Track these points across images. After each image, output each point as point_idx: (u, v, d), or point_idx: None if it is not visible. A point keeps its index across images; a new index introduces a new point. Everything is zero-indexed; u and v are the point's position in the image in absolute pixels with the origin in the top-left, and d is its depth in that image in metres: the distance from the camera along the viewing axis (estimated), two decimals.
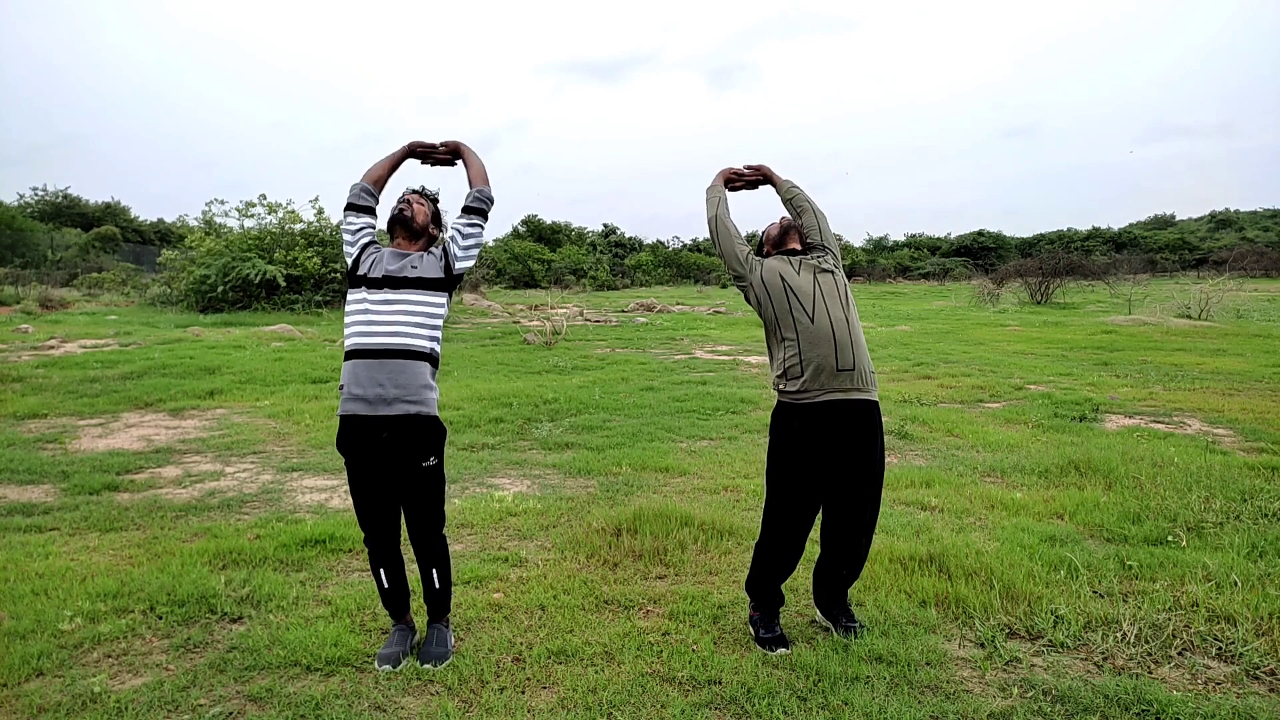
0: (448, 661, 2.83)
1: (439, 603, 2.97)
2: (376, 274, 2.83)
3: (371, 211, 3.04)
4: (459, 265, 2.95)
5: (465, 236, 2.98)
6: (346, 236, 2.98)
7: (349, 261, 2.94)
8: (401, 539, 2.95)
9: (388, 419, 2.74)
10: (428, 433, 2.81)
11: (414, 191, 3.04)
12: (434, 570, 2.94)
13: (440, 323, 2.88)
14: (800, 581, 3.44)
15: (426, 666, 2.77)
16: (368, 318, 2.79)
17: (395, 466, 2.81)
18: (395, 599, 2.94)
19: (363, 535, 2.95)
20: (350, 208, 3.00)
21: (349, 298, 2.87)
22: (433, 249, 2.97)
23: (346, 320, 2.85)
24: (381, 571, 2.91)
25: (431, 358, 2.83)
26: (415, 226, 2.94)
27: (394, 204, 2.96)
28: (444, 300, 2.89)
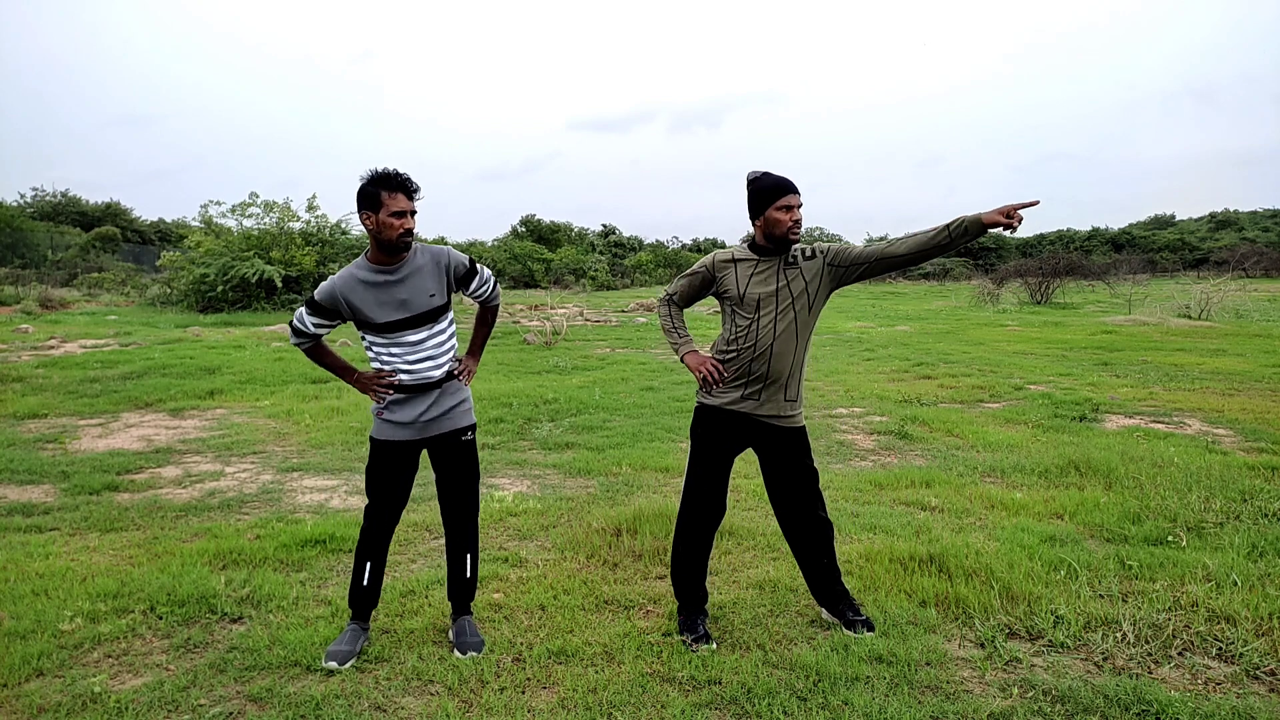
0: (486, 647, 2.90)
1: (466, 594, 3.04)
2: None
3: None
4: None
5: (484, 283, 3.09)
6: (313, 327, 2.91)
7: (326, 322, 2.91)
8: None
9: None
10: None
11: (412, 195, 2.80)
12: (468, 556, 3.02)
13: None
14: (801, 582, 3.44)
15: (469, 656, 2.84)
16: None
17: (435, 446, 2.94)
18: (367, 597, 2.96)
19: (364, 525, 2.95)
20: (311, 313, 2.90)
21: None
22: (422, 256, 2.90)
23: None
24: (367, 565, 2.93)
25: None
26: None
27: (393, 211, 2.72)
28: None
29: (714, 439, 3.03)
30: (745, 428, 3.01)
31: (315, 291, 2.87)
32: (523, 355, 12.20)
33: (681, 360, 3.08)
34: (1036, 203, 2.62)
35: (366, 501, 2.99)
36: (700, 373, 2.99)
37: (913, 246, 2.79)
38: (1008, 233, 2.62)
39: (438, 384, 2.89)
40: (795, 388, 3.00)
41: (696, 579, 3.10)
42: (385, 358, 2.85)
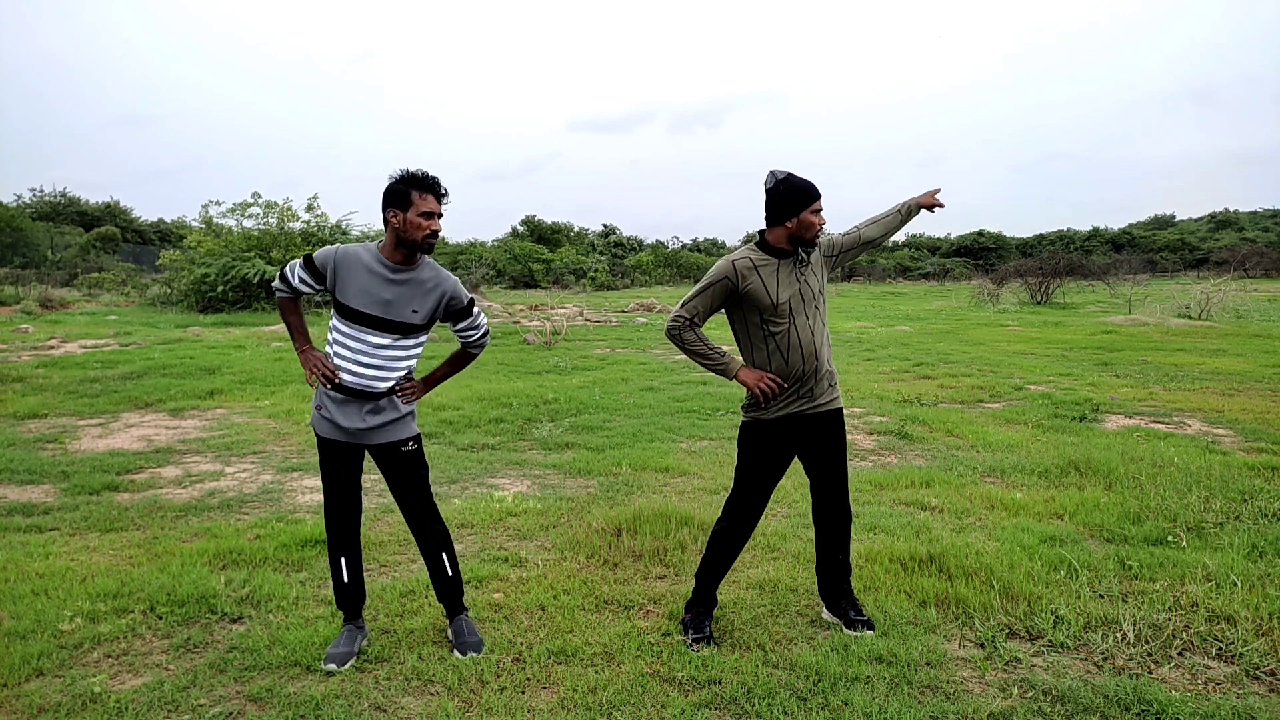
0: (486, 647, 2.88)
1: (455, 592, 3.00)
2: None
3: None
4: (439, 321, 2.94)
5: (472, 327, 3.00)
6: (298, 281, 2.87)
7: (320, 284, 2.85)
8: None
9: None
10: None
11: (441, 198, 2.78)
12: (443, 554, 2.98)
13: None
14: (801, 582, 3.44)
15: (468, 656, 2.83)
16: None
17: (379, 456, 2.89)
18: (352, 595, 2.94)
19: (326, 522, 2.94)
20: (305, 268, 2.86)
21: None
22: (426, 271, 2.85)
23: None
24: (343, 561, 2.91)
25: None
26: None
27: (422, 212, 2.70)
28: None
29: (770, 452, 2.99)
30: (795, 428, 2.99)
31: (316, 251, 2.84)
32: (523, 355, 12.20)
33: (735, 379, 2.96)
34: (939, 189, 3.21)
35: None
36: (759, 389, 2.93)
37: (880, 230, 3.21)
38: (933, 212, 3.24)
39: (378, 396, 2.81)
40: (832, 371, 3.04)
41: (718, 582, 3.10)
42: (339, 349, 2.79)
